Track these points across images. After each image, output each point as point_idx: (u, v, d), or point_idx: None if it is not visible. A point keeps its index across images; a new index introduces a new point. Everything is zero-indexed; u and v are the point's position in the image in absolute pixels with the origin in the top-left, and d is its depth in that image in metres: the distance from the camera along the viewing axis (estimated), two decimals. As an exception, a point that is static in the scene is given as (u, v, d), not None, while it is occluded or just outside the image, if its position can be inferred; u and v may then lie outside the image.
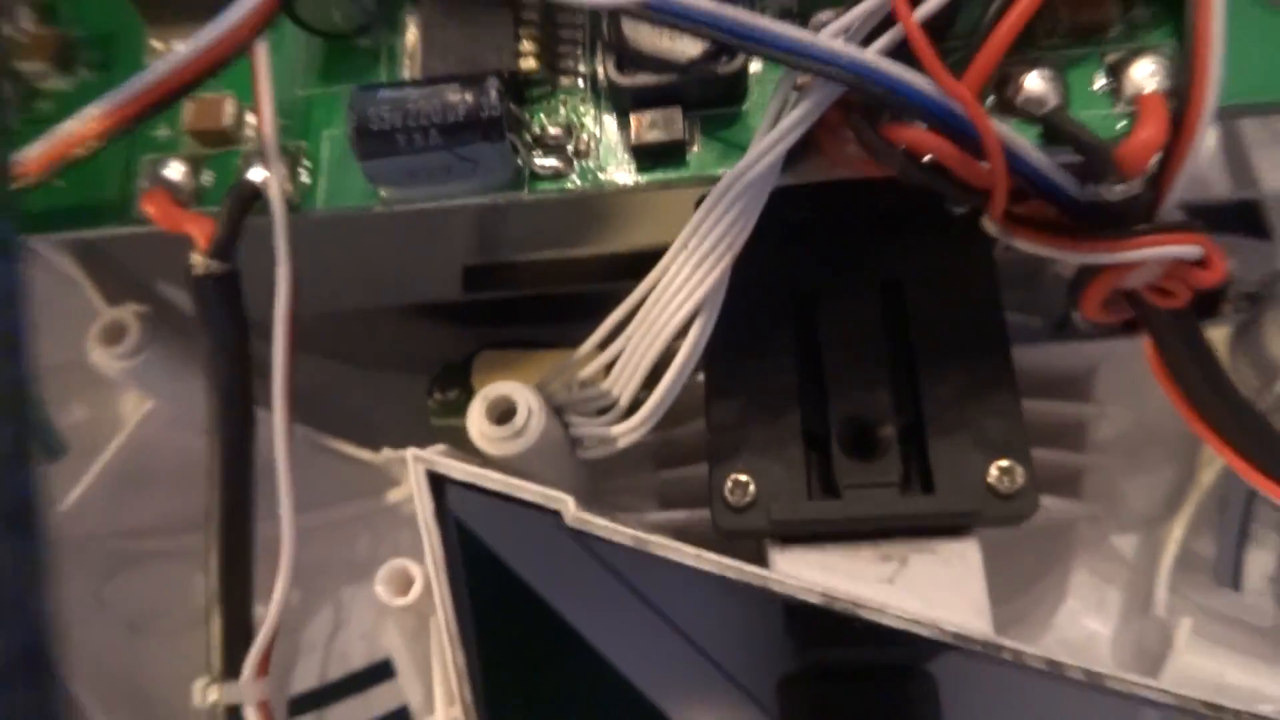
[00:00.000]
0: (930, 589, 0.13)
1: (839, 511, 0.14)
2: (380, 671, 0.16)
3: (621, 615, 0.20)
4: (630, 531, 0.12)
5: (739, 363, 0.15)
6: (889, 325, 0.15)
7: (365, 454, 0.16)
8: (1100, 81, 0.12)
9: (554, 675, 0.19)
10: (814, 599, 0.12)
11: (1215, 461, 0.15)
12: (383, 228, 0.19)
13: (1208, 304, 0.16)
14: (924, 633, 0.11)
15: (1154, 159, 0.11)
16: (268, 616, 0.13)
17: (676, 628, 0.20)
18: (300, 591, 0.17)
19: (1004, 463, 0.14)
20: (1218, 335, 0.15)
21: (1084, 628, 0.16)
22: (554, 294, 0.20)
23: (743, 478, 0.14)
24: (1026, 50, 0.12)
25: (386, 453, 0.16)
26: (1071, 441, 0.16)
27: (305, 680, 0.16)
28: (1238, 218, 0.19)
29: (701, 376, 0.15)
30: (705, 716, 0.19)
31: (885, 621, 0.12)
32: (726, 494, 0.14)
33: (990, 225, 0.13)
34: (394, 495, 0.16)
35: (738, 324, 0.15)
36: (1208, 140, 0.20)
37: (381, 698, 0.16)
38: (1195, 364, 0.13)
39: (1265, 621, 0.15)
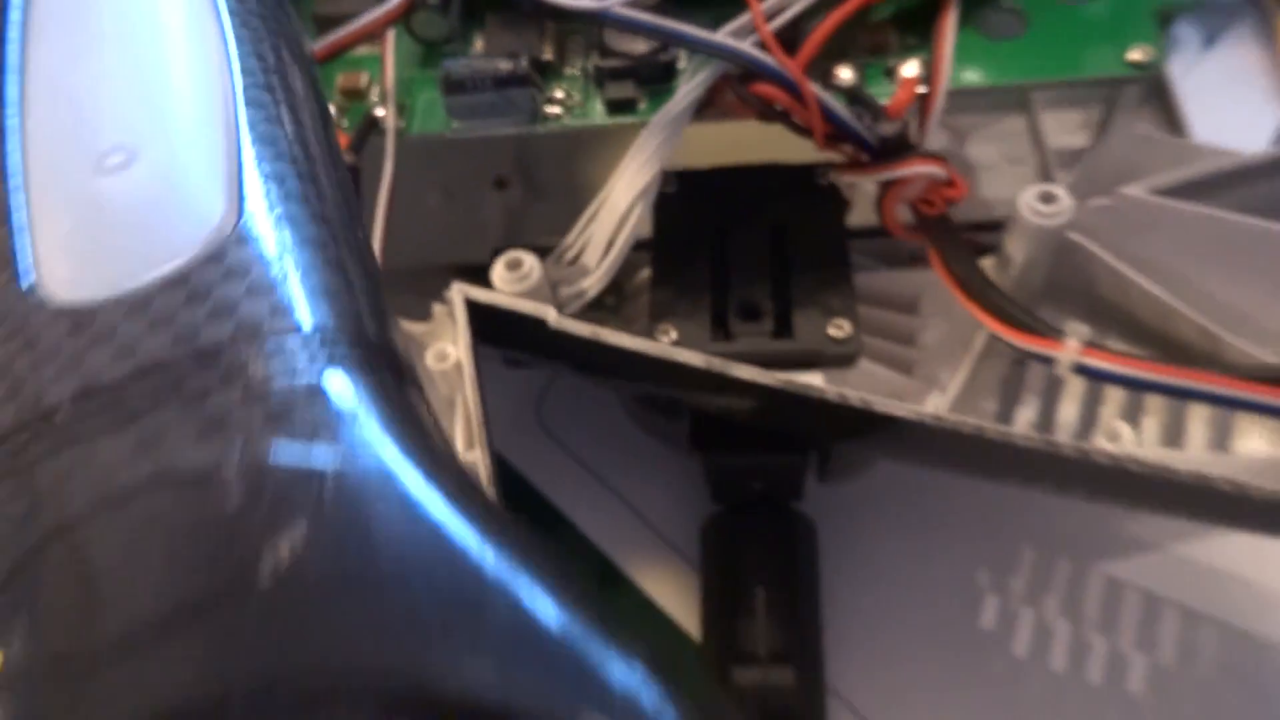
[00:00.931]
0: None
1: (730, 348, 0.21)
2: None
3: (583, 490, 0.26)
4: (589, 327, 0.19)
5: (673, 268, 0.23)
6: (773, 249, 0.23)
7: (420, 326, 0.23)
8: (882, 74, 0.20)
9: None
10: (698, 363, 0.19)
11: (983, 331, 0.22)
12: (442, 211, 0.28)
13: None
14: (768, 381, 0.18)
15: (909, 109, 0.20)
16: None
17: (627, 502, 0.26)
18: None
19: (839, 321, 0.21)
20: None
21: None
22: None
23: (668, 327, 0.21)
24: (840, 58, 0.21)
25: (437, 308, 0.23)
26: (906, 341, 0.23)
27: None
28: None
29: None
30: (645, 567, 0.25)
31: (743, 375, 0.18)
32: (657, 338, 0.21)
33: (839, 179, 0.21)
34: (429, 357, 0.23)
35: (675, 246, 0.23)
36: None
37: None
38: (954, 254, 0.20)
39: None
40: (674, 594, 0.25)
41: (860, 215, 0.24)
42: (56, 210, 0.09)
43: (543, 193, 0.30)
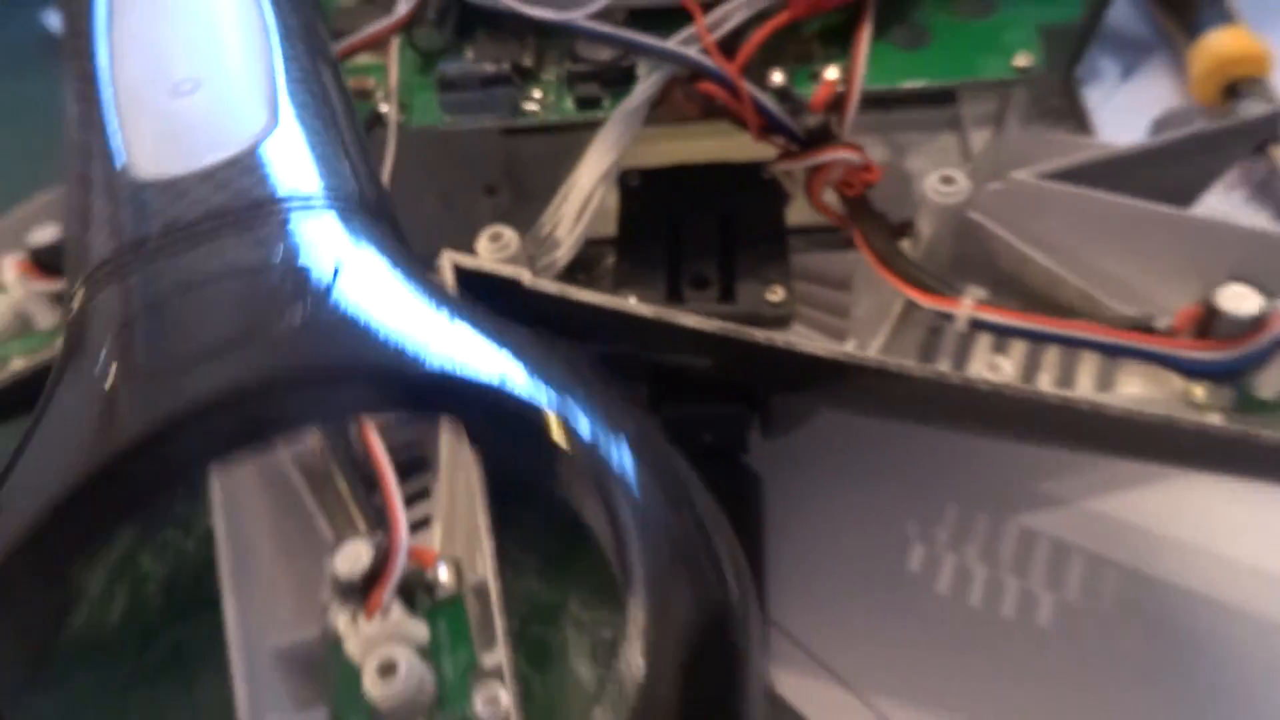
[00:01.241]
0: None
1: (682, 309, 0.24)
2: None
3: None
4: (557, 285, 0.23)
5: (635, 247, 0.26)
6: (722, 232, 0.26)
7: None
8: (808, 78, 0.24)
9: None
10: (648, 313, 0.22)
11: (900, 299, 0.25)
12: (438, 213, 0.31)
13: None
14: (708, 328, 0.22)
15: (828, 103, 0.23)
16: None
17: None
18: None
19: (775, 288, 0.24)
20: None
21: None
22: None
23: (628, 293, 0.25)
24: (773, 64, 0.24)
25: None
26: (839, 314, 0.27)
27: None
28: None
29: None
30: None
31: (686, 323, 0.22)
32: (619, 302, 0.25)
33: (774, 169, 0.25)
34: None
35: (637, 230, 0.26)
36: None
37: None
38: (873, 231, 0.24)
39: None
40: (636, 542, 0.28)
41: (805, 215, 0.27)
42: (142, 120, 0.13)
43: (528, 199, 0.34)
